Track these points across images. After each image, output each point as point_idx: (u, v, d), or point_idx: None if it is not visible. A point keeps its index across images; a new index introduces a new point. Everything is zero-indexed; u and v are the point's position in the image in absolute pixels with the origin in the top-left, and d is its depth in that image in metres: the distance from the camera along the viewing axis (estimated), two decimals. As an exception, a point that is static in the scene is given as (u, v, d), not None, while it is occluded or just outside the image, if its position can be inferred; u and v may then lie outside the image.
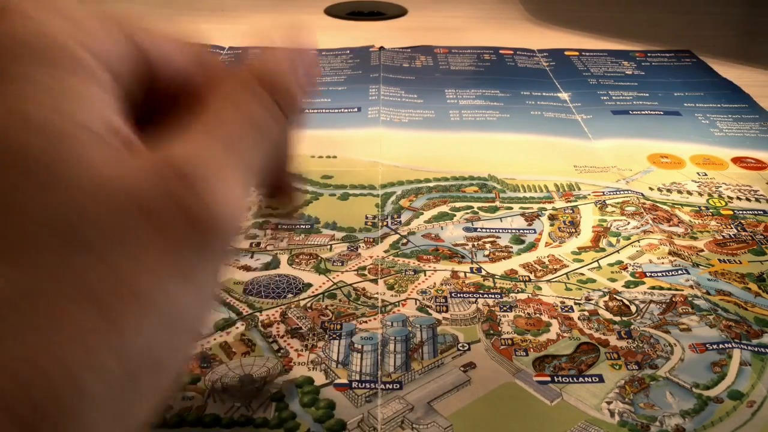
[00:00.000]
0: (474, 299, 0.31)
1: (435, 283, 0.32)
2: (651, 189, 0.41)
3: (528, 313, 0.31)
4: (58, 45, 0.15)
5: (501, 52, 0.64)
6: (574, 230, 0.37)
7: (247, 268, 0.33)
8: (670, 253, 0.35)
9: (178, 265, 0.15)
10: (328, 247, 0.35)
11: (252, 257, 0.34)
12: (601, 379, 0.27)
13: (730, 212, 0.38)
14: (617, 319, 0.30)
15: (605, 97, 0.54)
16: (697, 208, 0.39)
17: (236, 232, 0.16)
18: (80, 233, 0.14)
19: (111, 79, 0.16)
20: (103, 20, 0.17)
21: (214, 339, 0.29)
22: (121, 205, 0.14)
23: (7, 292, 0.13)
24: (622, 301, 0.31)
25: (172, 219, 0.15)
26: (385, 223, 0.37)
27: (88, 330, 0.13)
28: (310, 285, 0.32)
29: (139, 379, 0.14)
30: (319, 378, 0.27)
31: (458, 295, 0.32)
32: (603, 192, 0.40)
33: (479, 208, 0.39)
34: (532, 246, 0.35)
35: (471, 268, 0.34)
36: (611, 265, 0.34)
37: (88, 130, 0.15)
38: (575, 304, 0.31)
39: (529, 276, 0.33)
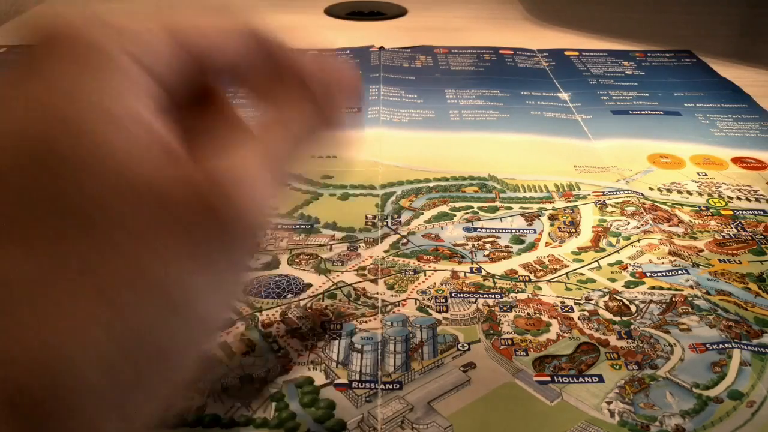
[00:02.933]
0: (474, 299, 0.31)
1: (435, 283, 0.32)
2: (651, 189, 0.41)
3: (528, 313, 0.31)
4: (100, 50, 0.16)
5: (501, 52, 0.64)
6: (574, 230, 0.37)
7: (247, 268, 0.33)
8: (670, 253, 0.35)
9: (194, 253, 0.15)
10: (328, 247, 0.35)
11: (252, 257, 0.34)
12: (601, 379, 0.27)
13: (730, 212, 0.38)
14: (617, 319, 0.30)
15: (605, 97, 0.54)
16: (697, 208, 0.39)
17: (260, 228, 0.16)
18: (95, 221, 0.14)
19: (154, 83, 0.16)
20: (149, 26, 0.17)
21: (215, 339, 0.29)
22: (140, 196, 0.14)
23: (16, 278, 0.13)
24: (622, 301, 0.31)
25: (194, 210, 0.15)
26: (385, 223, 0.37)
27: (89, 316, 0.14)
28: (310, 285, 0.32)
29: (140, 368, 0.14)
30: (319, 378, 0.27)
31: (458, 295, 0.32)
32: (603, 192, 0.40)
33: (479, 208, 0.39)
34: (532, 246, 0.35)
35: (471, 268, 0.34)
36: (611, 265, 0.34)
37: (122, 127, 0.15)
38: (575, 304, 0.31)
39: (529, 276, 0.33)
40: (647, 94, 0.54)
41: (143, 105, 0.16)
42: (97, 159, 0.14)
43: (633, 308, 0.31)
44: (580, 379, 0.27)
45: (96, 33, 0.16)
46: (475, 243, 0.36)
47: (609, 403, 0.26)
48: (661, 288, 0.32)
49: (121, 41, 0.16)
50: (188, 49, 0.18)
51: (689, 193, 0.41)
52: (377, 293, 0.32)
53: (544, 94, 0.55)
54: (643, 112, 0.51)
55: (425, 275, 0.33)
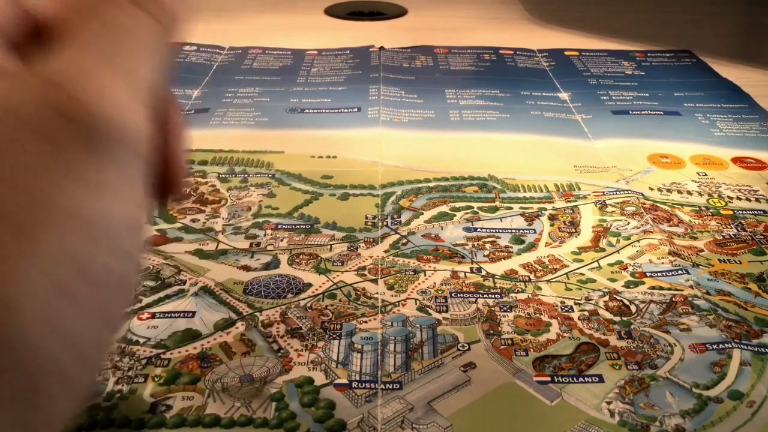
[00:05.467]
0: (474, 299, 0.31)
1: (435, 283, 0.32)
2: (651, 189, 0.41)
3: (528, 313, 0.31)
4: None
5: (501, 52, 0.64)
6: (574, 230, 0.37)
7: (247, 268, 0.33)
8: (670, 253, 0.35)
9: (74, 168, 0.15)
10: (328, 247, 0.35)
11: (252, 257, 0.34)
12: (601, 379, 0.27)
13: (730, 212, 0.38)
14: (617, 319, 0.30)
15: (605, 97, 0.54)
16: (697, 208, 0.39)
17: (131, 135, 0.16)
18: None
19: None
20: None
21: (214, 339, 0.29)
22: (8, 125, 0.14)
23: None
24: (622, 301, 0.31)
25: (57, 125, 0.15)
26: (385, 223, 0.37)
27: (13, 252, 0.14)
28: (310, 285, 0.32)
29: (73, 291, 0.14)
30: (319, 378, 0.27)
31: (458, 295, 0.32)
32: (603, 192, 0.40)
33: (479, 208, 0.39)
34: (532, 246, 0.35)
35: (471, 268, 0.34)
36: (611, 265, 0.34)
37: None
38: (575, 304, 0.31)
39: (529, 276, 0.33)
40: (647, 94, 0.54)
41: None
42: None
43: (633, 308, 0.31)
44: (580, 379, 0.27)
45: None
46: (475, 243, 0.36)
47: (609, 403, 0.26)
48: (661, 288, 0.32)
49: None
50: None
51: (689, 193, 0.41)
52: (377, 293, 0.32)
53: (544, 94, 0.55)
54: (643, 112, 0.51)
55: (425, 275, 0.33)
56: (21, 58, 0.17)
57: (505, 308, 0.31)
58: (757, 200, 0.40)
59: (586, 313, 0.31)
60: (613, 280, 0.33)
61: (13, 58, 0.17)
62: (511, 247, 0.35)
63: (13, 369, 0.13)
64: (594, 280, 0.33)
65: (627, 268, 0.34)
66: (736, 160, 0.44)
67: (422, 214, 0.38)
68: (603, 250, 0.35)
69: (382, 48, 0.64)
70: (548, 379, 0.27)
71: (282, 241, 0.35)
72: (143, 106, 0.17)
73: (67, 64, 0.16)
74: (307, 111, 0.51)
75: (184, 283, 0.32)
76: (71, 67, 0.16)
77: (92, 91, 0.16)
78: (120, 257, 0.16)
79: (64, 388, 0.14)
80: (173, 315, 0.30)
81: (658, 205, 0.39)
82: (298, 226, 0.37)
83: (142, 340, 0.29)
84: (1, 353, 0.13)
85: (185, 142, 0.22)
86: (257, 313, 0.30)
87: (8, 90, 0.15)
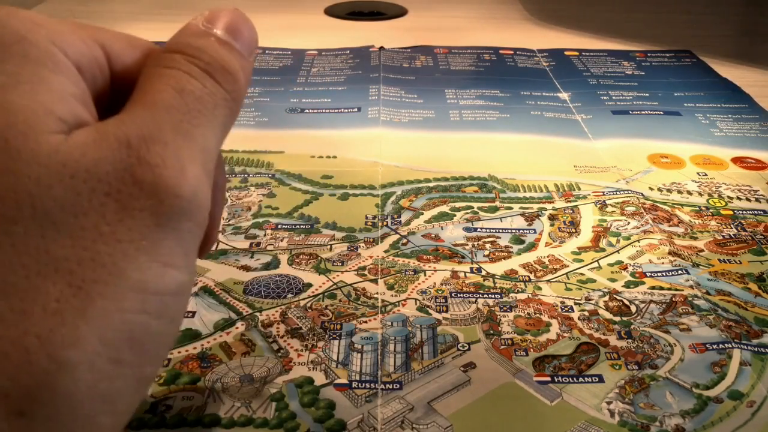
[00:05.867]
0: (474, 299, 0.31)
1: (435, 283, 0.32)
2: (651, 189, 0.41)
3: (528, 313, 0.31)
4: (28, 41, 0.16)
5: (501, 52, 0.64)
6: (574, 230, 0.37)
7: (247, 268, 0.33)
8: (670, 253, 0.35)
9: (142, 238, 0.15)
10: (328, 247, 0.35)
11: (252, 257, 0.34)
12: (601, 379, 0.27)
13: (730, 212, 0.38)
14: (617, 319, 0.30)
15: (605, 97, 0.54)
16: (697, 208, 0.39)
17: (198, 206, 0.16)
18: (47, 211, 0.14)
19: (76, 71, 0.17)
20: (70, 24, 0.18)
21: (214, 339, 0.29)
22: (83, 182, 0.15)
23: None
24: (622, 301, 0.31)
25: (130, 191, 0.15)
26: (385, 223, 0.37)
27: (60, 301, 0.14)
28: (310, 285, 0.32)
29: (121, 358, 0.15)
30: (319, 378, 0.27)
31: (458, 295, 0.32)
32: (603, 192, 0.40)
33: (479, 208, 0.39)
34: (532, 246, 0.35)
35: (471, 268, 0.34)
36: (611, 265, 0.34)
37: (49, 113, 0.15)
38: (575, 304, 0.31)
39: (529, 276, 0.33)
40: (647, 94, 0.54)
41: (70, 94, 0.16)
42: (31, 145, 0.14)
43: (633, 308, 0.31)
44: (580, 379, 0.27)
45: (23, 25, 0.16)
46: (475, 243, 0.36)
47: (609, 403, 0.26)
48: (661, 288, 0.32)
49: (48, 35, 0.16)
50: (105, 50, 0.18)
51: (689, 193, 0.41)
52: (377, 293, 0.32)
53: (544, 94, 0.55)
54: (643, 112, 0.51)
55: (425, 275, 0.33)
56: (97, 106, 0.17)
57: (505, 308, 0.31)
58: (757, 200, 0.40)
59: (586, 313, 0.31)
60: (613, 280, 0.33)
61: (93, 109, 0.17)
62: (511, 247, 0.35)
63: (55, 427, 0.14)
64: (594, 280, 0.33)
65: (627, 268, 0.34)
66: (736, 160, 0.44)
67: (422, 214, 0.38)
68: (603, 250, 0.35)
69: (382, 48, 0.64)
70: (548, 379, 0.27)
71: (282, 241, 0.35)
72: (209, 178, 0.17)
73: (146, 130, 0.16)
74: (307, 111, 0.51)
75: (184, 283, 0.32)
76: (150, 134, 0.16)
77: (170, 163, 0.16)
78: (167, 323, 0.16)
79: None
80: (173, 315, 0.30)
81: (658, 205, 0.39)
82: (298, 226, 0.37)
83: (142, 340, 0.29)
84: (46, 411, 0.13)
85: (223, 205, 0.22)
86: (257, 313, 0.30)
87: (86, 146, 0.15)
